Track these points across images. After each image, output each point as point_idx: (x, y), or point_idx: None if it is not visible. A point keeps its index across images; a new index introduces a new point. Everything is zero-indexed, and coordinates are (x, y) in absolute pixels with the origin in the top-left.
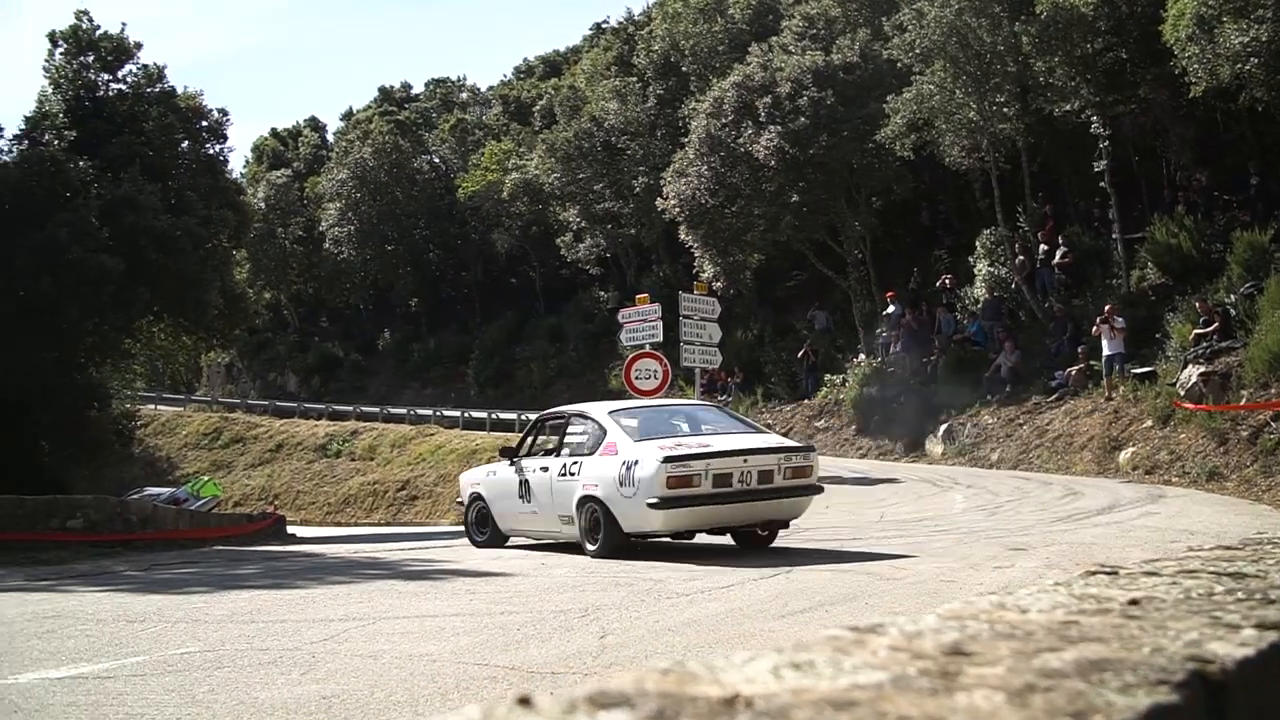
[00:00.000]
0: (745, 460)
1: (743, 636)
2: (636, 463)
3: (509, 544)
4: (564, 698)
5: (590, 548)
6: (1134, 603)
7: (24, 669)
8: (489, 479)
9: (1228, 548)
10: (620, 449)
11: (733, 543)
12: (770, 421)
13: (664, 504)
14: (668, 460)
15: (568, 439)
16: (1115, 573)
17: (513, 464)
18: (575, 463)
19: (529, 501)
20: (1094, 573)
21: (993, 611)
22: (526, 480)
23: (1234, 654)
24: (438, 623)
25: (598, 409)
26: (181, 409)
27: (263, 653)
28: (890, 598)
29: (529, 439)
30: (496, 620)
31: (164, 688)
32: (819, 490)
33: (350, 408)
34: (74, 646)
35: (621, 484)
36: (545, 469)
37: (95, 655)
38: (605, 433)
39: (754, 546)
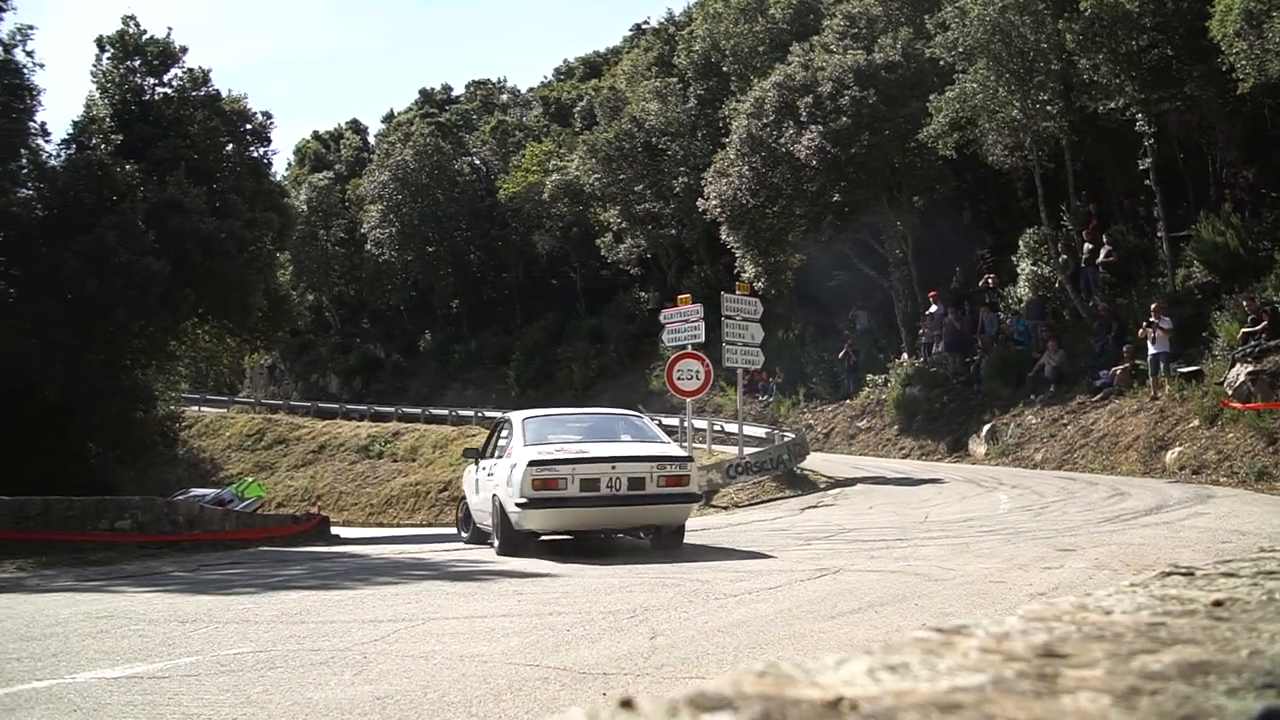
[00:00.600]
0: (614, 467)
1: (794, 638)
2: (515, 465)
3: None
4: (665, 700)
5: (495, 542)
6: (1218, 604)
7: (80, 669)
8: (467, 478)
9: None
10: (513, 452)
11: (769, 549)
12: (811, 421)
13: (532, 504)
14: (533, 464)
15: (499, 442)
16: (1191, 573)
17: (477, 465)
18: (495, 464)
19: (480, 498)
20: (1169, 574)
21: (1075, 613)
22: (477, 479)
23: None
24: (487, 623)
25: (518, 415)
26: (225, 410)
27: (314, 653)
28: (940, 599)
29: (489, 442)
30: (545, 621)
31: (219, 688)
32: (696, 499)
33: (392, 409)
34: (128, 646)
35: (509, 484)
36: (486, 469)
37: (149, 655)
38: (512, 437)
39: (662, 548)
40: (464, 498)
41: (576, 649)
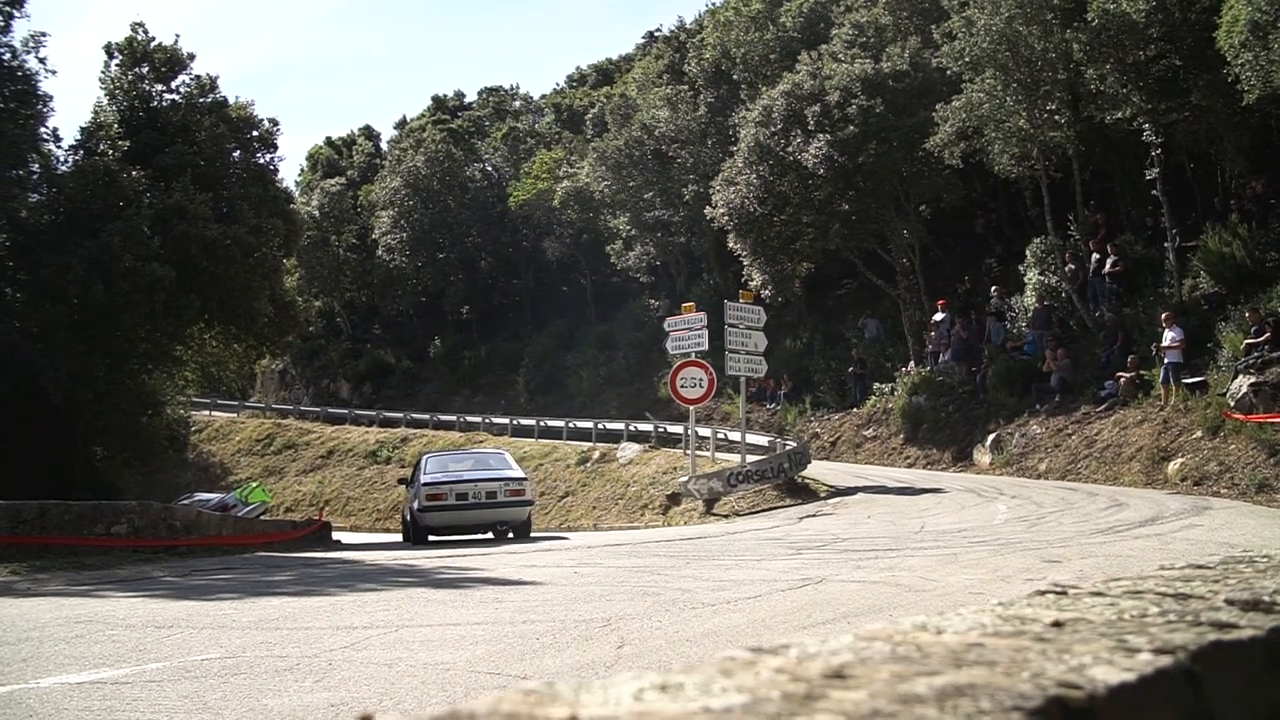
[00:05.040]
0: (476, 485)
1: None
2: (419, 486)
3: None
4: (413, 718)
5: (412, 537)
6: (1057, 624)
7: (46, 673)
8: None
9: (1199, 566)
10: (419, 479)
11: (757, 558)
12: (818, 430)
13: (426, 510)
14: (426, 484)
15: (416, 473)
16: (1064, 592)
17: (408, 489)
18: (413, 487)
19: (407, 511)
20: (1045, 591)
21: (910, 633)
22: (405, 499)
23: (1110, 679)
24: (459, 631)
25: (426, 456)
26: (235, 415)
27: (281, 660)
28: (916, 610)
29: (413, 472)
30: (518, 629)
31: (178, 694)
32: (529, 503)
33: (401, 414)
34: (99, 652)
35: (415, 498)
36: (411, 491)
37: (118, 661)
38: (420, 470)
39: (519, 537)
40: (402, 513)
41: (541, 657)
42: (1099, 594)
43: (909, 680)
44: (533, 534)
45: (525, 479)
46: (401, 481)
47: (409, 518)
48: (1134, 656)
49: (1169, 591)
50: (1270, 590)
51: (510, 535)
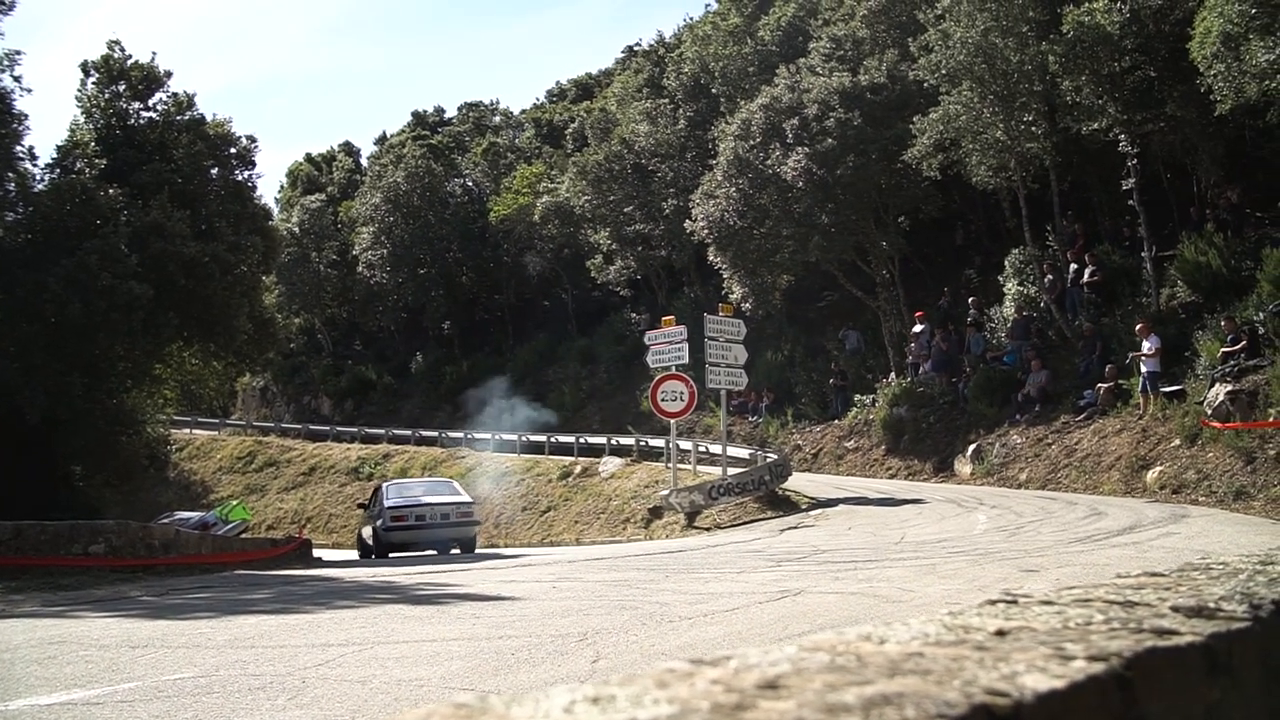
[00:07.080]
0: (433, 508)
1: None
2: (383, 509)
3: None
4: None
5: (374, 554)
6: (1000, 633)
7: (17, 696)
8: (362, 520)
9: (1154, 574)
10: (382, 503)
11: (739, 570)
12: (800, 442)
13: (389, 530)
14: (390, 508)
15: (377, 498)
16: (1015, 601)
17: (366, 512)
18: (376, 509)
19: (367, 530)
20: (995, 601)
21: (853, 643)
22: (365, 520)
23: (1039, 687)
24: (435, 647)
25: (385, 484)
26: (216, 433)
27: (254, 679)
28: (892, 621)
29: (372, 499)
30: (494, 645)
31: (150, 714)
32: (477, 523)
33: (382, 431)
34: (71, 673)
35: (380, 519)
36: (371, 514)
37: (90, 681)
38: (381, 495)
39: (464, 551)
40: (359, 533)
41: (516, 673)
42: (1048, 603)
43: (840, 690)
44: (476, 550)
45: (473, 502)
46: (360, 506)
47: (372, 537)
48: (1068, 664)
49: (1118, 599)
50: (1217, 597)
51: (456, 550)
